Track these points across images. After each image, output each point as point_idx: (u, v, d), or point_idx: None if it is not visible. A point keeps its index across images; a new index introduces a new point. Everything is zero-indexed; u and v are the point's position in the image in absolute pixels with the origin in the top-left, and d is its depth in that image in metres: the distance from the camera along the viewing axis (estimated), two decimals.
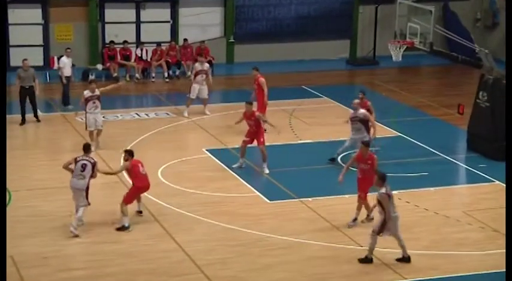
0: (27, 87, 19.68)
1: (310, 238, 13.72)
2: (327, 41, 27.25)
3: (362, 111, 16.84)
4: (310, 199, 15.39)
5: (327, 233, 13.91)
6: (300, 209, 15.02)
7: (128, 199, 14.07)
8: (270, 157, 17.70)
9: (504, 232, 13.98)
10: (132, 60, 24.57)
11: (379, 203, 12.52)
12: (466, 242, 13.74)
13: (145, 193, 15.25)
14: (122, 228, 13.86)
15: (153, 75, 24.49)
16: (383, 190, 12.47)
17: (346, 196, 15.45)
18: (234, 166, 16.77)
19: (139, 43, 25.12)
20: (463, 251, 13.39)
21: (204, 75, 20.71)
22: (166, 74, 24.53)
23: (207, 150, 18.09)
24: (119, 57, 24.35)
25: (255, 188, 15.95)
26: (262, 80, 19.31)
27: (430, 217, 14.73)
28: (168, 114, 20.90)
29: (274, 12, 26.77)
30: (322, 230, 14.05)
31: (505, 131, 17.85)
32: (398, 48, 21.65)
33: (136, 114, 21.05)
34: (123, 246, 13.33)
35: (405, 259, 12.86)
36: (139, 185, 14.11)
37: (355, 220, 14.21)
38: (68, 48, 21.74)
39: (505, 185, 16.12)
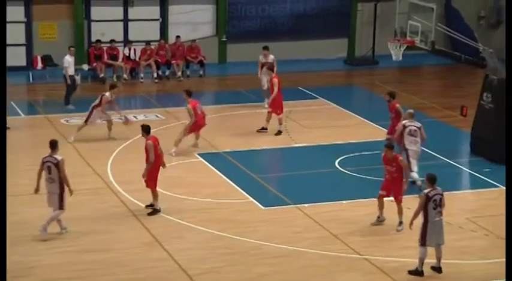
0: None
1: (307, 246, 13.77)
2: (323, 40, 27.33)
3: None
4: (306, 205, 15.44)
5: (325, 241, 13.96)
6: (296, 215, 15.06)
7: (153, 183, 14.70)
8: (264, 161, 17.78)
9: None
10: (120, 60, 24.59)
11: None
12: (470, 250, 13.81)
13: (133, 199, 15.32)
14: (154, 212, 14.62)
15: (142, 75, 24.53)
16: (426, 190, 12.63)
17: (344, 202, 15.52)
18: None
19: (127, 42, 25.16)
20: (466, 260, 13.46)
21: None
22: (155, 75, 24.57)
23: (199, 154, 18.13)
24: (105, 56, 24.37)
25: (248, 194, 15.99)
26: (275, 80, 19.58)
27: None
28: (157, 116, 20.94)
29: (269, 10, 26.84)
30: (320, 237, 14.10)
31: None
32: (398, 47, 21.75)
33: (124, 116, 21.05)
34: (112, 255, 13.34)
35: (436, 269, 12.90)
36: (158, 162, 14.65)
37: (382, 220, 14.50)
38: (72, 47, 22.09)
39: None
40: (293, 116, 21.09)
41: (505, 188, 16.42)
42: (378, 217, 14.59)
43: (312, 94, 23.00)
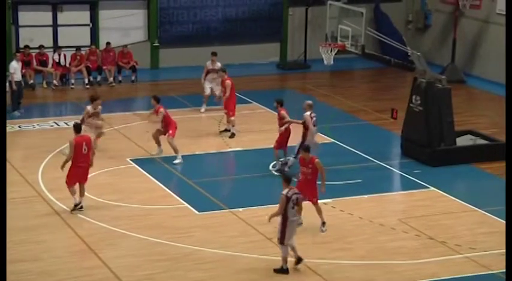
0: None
1: (242, 250, 13.79)
2: (256, 45, 27.44)
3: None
4: (241, 210, 15.47)
5: (260, 245, 14.00)
6: (230, 220, 15.07)
7: (70, 181, 15.03)
8: (198, 165, 17.75)
9: (440, 239, 14.40)
10: (49, 66, 24.21)
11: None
12: (402, 251, 14.03)
13: (65, 207, 15.14)
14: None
15: (73, 81, 24.19)
16: (284, 191, 12.80)
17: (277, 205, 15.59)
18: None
19: (56, 48, 24.77)
20: (398, 260, 13.66)
21: (215, 74, 21.01)
22: (86, 80, 24.26)
23: (131, 160, 17.98)
24: (34, 63, 23.95)
25: (182, 199, 15.93)
26: (228, 82, 19.65)
27: (364, 226, 15.00)
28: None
29: (201, 14, 26.81)
30: (255, 241, 14.14)
31: (438, 136, 18.37)
32: (329, 52, 21.92)
33: (55, 123, 20.75)
34: (42, 264, 13.12)
35: (298, 261, 13.04)
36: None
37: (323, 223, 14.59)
38: (18, 52, 21.63)
39: (442, 191, 16.64)
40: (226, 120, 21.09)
41: (434, 189, 16.81)
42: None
43: (245, 99, 23.05)
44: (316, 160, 14.44)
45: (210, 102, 21.53)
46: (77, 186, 15.11)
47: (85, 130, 17.66)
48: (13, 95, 21.22)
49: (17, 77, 21.28)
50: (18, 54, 22.03)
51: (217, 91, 21.07)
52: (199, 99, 21.83)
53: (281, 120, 17.42)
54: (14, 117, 20.78)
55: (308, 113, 16.97)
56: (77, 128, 15.15)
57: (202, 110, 21.00)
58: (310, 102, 17.27)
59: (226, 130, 20.01)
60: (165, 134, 17.88)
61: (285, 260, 12.93)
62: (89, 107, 18.15)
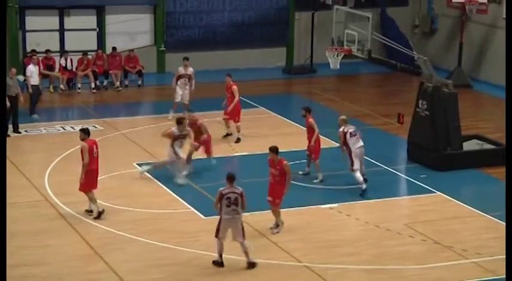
0: (14, 95, 19.95)
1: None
2: (262, 49, 27.48)
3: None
4: (248, 214, 15.47)
5: (266, 249, 14.00)
6: None
7: (86, 186, 14.98)
8: (204, 170, 17.75)
9: (446, 244, 14.38)
10: (56, 70, 24.28)
11: None
12: (408, 255, 14.02)
13: (71, 211, 15.17)
14: (99, 215, 14.90)
15: (79, 86, 24.26)
16: (221, 188, 13.05)
17: (284, 209, 15.60)
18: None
19: (63, 52, 24.85)
20: (404, 265, 13.65)
21: (187, 79, 20.89)
22: (93, 85, 24.33)
23: (137, 164, 18.01)
24: (41, 67, 24.03)
25: (189, 204, 15.95)
26: (235, 87, 19.64)
27: (371, 230, 14.99)
28: (95, 127, 20.71)
29: (207, 19, 26.86)
30: (261, 246, 14.12)
31: (444, 140, 18.35)
32: (335, 56, 21.95)
33: (62, 127, 20.81)
34: (48, 268, 13.14)
35: (251, 265, 13.16)
36: (92, 166, 14.90)
37: (278, 225, 14.65)
38: (34, 55, 21.75)
39: (449, 196, 16.62)
40: (233, 125, 21.11)
41: (441, 193, 16.79)
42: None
43: (252, 103, 23.08)
44: (284, 162, 14.48)
45: (205, 107, 21.42)
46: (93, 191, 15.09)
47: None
48: (31, 98, 21.39)
49: (34, 80, 21.37)
50: (35, 57, 22.04)
51: (187, 98, 20.89)
52: (206, 104, 21.85)
53: (310, 129, 17.18)
54: (34, 120, 20.91)
55: (341, 128, 16.70)
56: (86, 131, 15.07)
57: (170, 117, 20.67)
58: (343, 117, 16.95)
59: (227, 135, 19.95)
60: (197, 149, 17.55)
61: (219, 254, 13.15)
62: (174, 129, 16.90)
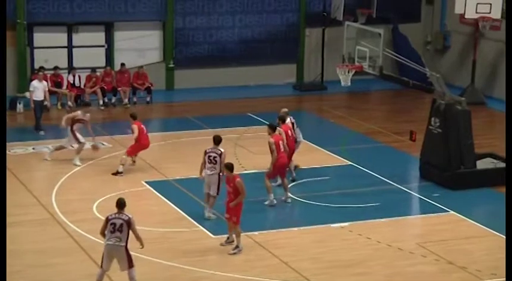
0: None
1: (258, 274, 13.72)
2: (272, 66, 27.52)
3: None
4: (256, 233, 15.42)
5: (276, 269, 13.94)
6: (246, 243, 15.00)
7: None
8: None
9: (460, 264, 14.27)
10: (64, 87, 24.38)
11: None
12: (422, 276, 13.92)
13: (78, 230, 15.14)
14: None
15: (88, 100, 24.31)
16: (109, 213, 12.59)
17: (295, 229, 15.54)
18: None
19: (71, 69, 24.95)
20: None
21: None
22: (101, 102, 24.40)
23: (146, 182, 18.01)
24: (49, 84, 24.12)
25: (198, 222, 15.91)
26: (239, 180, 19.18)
27: (383, 250, 14.91)
28: (103, 144, 20.75)
29: (217, 35, 26.94)
30: (270, 265, 14.07)
31: (458, 159, 18.27)
32: (346, 73, 21.97)
33: (70, 144, 20.82)
34: None
35: None
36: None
37: (231, 241, 14.62)
38: (40, 72, 22.23)
39: (462, 215, 16.53)
40: (242, 142, 21.12)
41: (454, 212, 16.70)
42: (228, 238, 14.69)
43: (261, 120, 23.06)
44: (238, 179, 14.44)
45: (215, 124, 21.37)
46: None
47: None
48: (34, 114, 21.66)
49: (36, 96, 21.56)
50: (41, 73, 22.26)
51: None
52: (215, 121, 21.86)
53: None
54: (40, 137, 21.12)
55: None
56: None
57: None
58: (285, 110, 17.70)
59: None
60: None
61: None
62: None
